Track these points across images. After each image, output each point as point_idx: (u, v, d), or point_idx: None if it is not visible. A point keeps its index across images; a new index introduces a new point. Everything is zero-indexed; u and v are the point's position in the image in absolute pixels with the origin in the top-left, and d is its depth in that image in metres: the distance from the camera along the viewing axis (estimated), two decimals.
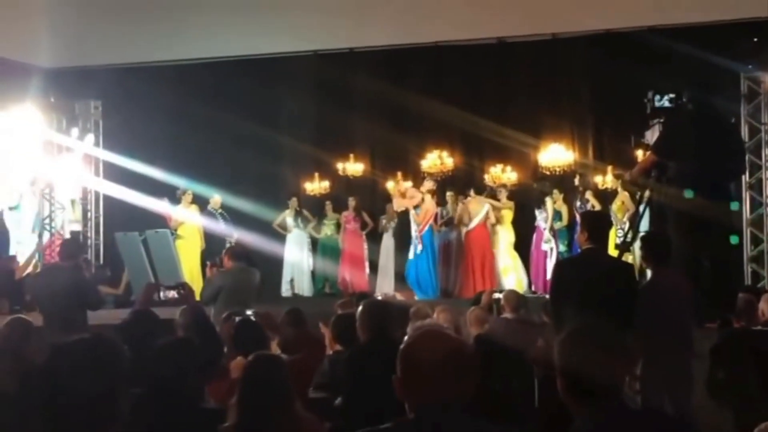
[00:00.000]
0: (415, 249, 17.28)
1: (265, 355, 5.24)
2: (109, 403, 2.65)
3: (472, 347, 3.35)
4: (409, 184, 18.50)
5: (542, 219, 17.56)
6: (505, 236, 17.53)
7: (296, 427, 4.73)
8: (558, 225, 17.21)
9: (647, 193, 9.66)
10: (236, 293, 10.35)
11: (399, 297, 16.32)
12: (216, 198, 18.12)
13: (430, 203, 17.41)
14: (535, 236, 17.71)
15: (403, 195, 17.97)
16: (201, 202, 18.04)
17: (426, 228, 17.26)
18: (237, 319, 7.85)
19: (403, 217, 17.92)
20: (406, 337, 3.38)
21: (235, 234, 17.44)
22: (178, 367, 5.06)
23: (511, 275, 17.29)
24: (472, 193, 17.73)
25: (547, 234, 17.42)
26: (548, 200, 17.52)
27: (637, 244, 12.20)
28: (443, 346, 3.16)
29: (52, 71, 19.17)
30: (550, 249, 17.38)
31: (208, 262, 13.90)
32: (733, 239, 8.44)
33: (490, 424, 3.22)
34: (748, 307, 9.52)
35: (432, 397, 3.10)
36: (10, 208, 17.55)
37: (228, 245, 15.57)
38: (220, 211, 18.05)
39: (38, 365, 2.72)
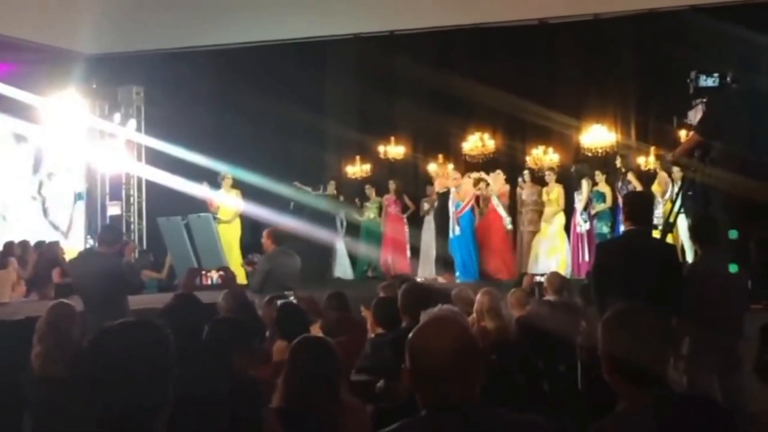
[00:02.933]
0: (453, 231, 17.24)
1: (313, 337, 5.26)
2: (157, 385, 2.67)
3: (476, 337, 3.24)
4: (450, 167, 18.51)
5: (578, 201, 17.41)
6: (556, 219, 17.43)
7: (341, 410, 4.74)
8: (601, 206, 17.00)
9: (689, 174, 9.58)
10: (280, 276, 10.34)
11: (441, 280, 16.31)
12: None
13: (468, 185, 17.36)
14: (573, 219, 17.58)
15: (445, 177, 17.98)
16: (243, 187, 18.08)
17: (465, 210, 17.18)
18: (279, 302, 7.87)
19: (443, 200, 17.88)
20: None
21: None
22: (226, 342, 5.16)
23: (555, 257, 17.18)
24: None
25: (579, 217, 17.28)
26: (584, 182, 17.36)
27: (682, 226, 12.19)
28: (450, 338, 3.06)
29: (95, 57, 19.36)
30: (584, 232, 17.24)
31: (243, 261, 13.83)
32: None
33: (512, 412, 3.14)
34: None
35: (440, 393, 3.02)
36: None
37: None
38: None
39: (85, 348, 2.73)
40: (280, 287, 9.58)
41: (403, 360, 3.14)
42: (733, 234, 8.70)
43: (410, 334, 3.14)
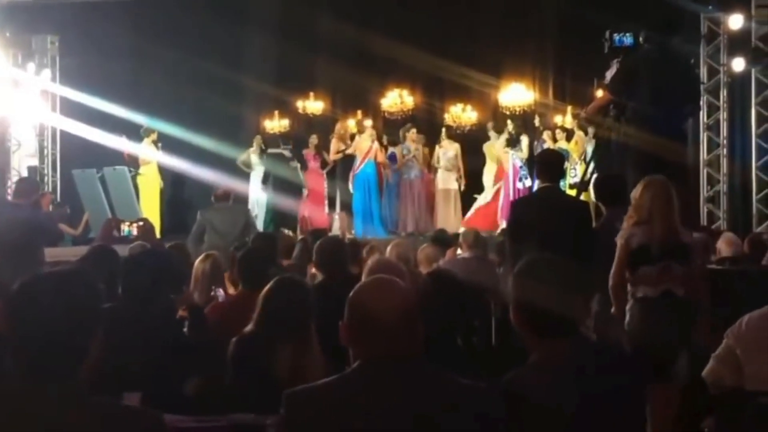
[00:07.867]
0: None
1: (291, 278, 5.20)
2: (86, 333, 2.66)
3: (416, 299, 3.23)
4: (369, 122, 18.61)
5: (518, 158, 17.58)
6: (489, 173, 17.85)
7: (307, 354, 4.68)
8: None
9: (603, 133, 9.72)
10: (220, 232, 10.30)
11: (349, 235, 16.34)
12: None
13: (365, 142, 17.58)
14: (511, 174, 17.70)
15: (340, 138, 18.22)
16: (161, 140, 17.89)
17: (360, 168, 17.44)
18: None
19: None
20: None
21: None
22: (150, 274, 5.15)
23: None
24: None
25: (523, 171, 17.50)
26: (524, 138, 17.59)
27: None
28: (394, 298, 3.07)
29: (8, 5, 18.88)
30: (523, 188, 17.46)
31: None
32: None
33: (452, 374, 3.13)
34: (702, 247, 9.65)
35: (380, 349, 3.00)
36: None
37: None
38: None
39: (11, 297, 2.68)
40: (221, 242, 9.58)
41: (318, 314, 3.13)
42: None
43: (354, 293, 3.11)
